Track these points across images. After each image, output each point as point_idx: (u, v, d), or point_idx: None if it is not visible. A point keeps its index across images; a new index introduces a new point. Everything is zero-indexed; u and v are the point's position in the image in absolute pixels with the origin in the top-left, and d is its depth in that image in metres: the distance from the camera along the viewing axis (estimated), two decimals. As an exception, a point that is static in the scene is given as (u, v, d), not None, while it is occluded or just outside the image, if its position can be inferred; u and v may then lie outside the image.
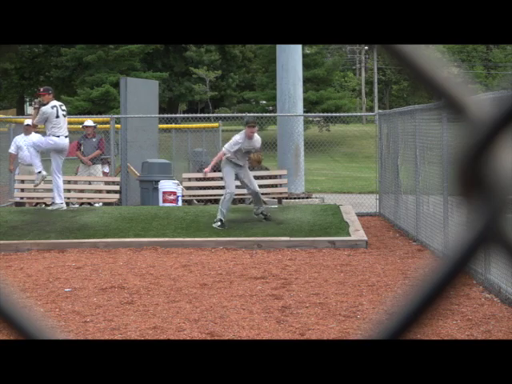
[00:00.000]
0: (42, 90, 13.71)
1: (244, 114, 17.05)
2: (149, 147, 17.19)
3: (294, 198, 16.80)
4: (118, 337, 6.76)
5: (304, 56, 24.54)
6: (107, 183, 16.25)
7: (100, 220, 12.77)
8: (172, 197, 15.05)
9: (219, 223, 12.26)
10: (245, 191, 16.13)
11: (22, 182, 16.20)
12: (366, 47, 59.81)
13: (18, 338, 0.81)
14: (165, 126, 21.91)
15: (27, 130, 15.72)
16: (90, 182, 16.35)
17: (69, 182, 16.24)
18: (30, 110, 61.79)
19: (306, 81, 31.37)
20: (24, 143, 15.73)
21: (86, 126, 16.72)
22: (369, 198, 17.15)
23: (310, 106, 40.98)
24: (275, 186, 16.08)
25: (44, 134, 13.53)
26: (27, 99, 59.38)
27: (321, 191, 21.19)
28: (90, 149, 16.44)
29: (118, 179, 16.41)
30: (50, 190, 15.87)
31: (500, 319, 7.25)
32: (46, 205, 15.12)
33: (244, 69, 53.72)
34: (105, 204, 15.60)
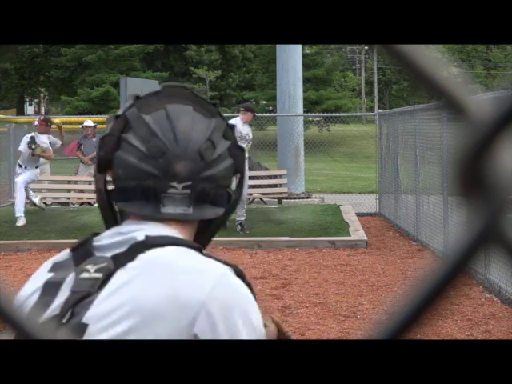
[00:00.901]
0: (42, 118, 13.55)
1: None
2: (149, 147, 17.18)
3: (294, 198, 16.80)
4: (117, 337, 6.76)
5: (304, 56, 24.53)
6: (107, 183, 16.23)
7: (100, 220, 12.60)
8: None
9: (239, 227, 12.23)
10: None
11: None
12: (366, 47, 59.84)
13: (18, 338, 0.81)
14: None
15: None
16: (90, 182, 16.35)
17: (69, 181, 16.23)
18: (29, 110, 61.85)
19: (305, 81, 31.38)
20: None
21: (86, 126, 16.73)
22: (369, 197, 17.15)
23: (309, 105, 40.98)
24: (275, 185, 16.08)
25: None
26: (27, 99, 59.39)
27: (321, 191, 21.19)
28: (90, 149, 16.44)
29: (117, 179, 16.39)
30: (51, 190, 15.89)
31: (500, 319, 7.25)
32: (46, 205, 15.12)
33: (244, 69, 53.74)
34: (105, 204, 15.57)
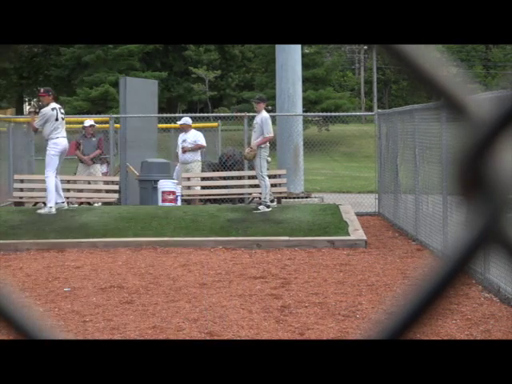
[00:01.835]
0: (42, 90, 13.71)
1: (243, 114, 17.03)
2: (148, 147, 17.19)
3: (294, 198, 16.80)
4: (117, 336, 6.76)
5: (303, 56, 24.54)
6: (106, 183, 16.25)
7: (99, 220, 12.77)
8: (171, 196, 15.05)
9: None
10: (244, 191, 16.16)
11: (21, 181, 16.19)
12: (366, 47, 59.82)
13: (18, 338, 0.81)
14: (164, 125, 21.92)
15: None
16: (89, 182, 16.35)
17: (68, 181, 16.23)
18: (28, 109, 61.79)
19: (305, 80, 31.38)
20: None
21: (86, 126, 16.73)
22: (368, 197, 17.15)
23: (309, 105, 40.98)
24: (274, 185, 16.09)
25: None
26: (26, 99, 59.38)
27: (320, 191, 21.19)
28: (89, 148, 16.44)
29: (117, 179, 16.41)
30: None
31: (499, 318, 7.25)
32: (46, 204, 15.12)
33: (243, 68, 53.74)
34: (104, 204, 15.60)
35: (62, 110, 13.49)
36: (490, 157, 0.61)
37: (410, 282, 9.07)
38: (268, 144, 13.13)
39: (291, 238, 11.70)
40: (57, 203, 13.40)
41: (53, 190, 13.14)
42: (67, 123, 13.89)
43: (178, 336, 6.72)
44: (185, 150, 15.61)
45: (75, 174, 17.05)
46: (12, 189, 16.74)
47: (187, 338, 6.55)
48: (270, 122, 13.09)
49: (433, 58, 0.65)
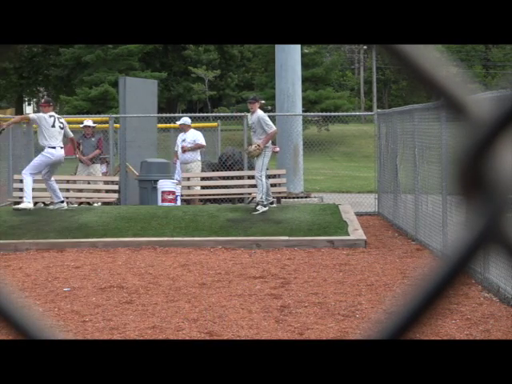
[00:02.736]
0: (43, 101, 14.11)
1: (243, 114, 17.03)
2: (148, 147, 17.19)
3: (293, 198, 16.81)
4: (116, 336, 6.76)
5: (303, 55, 24.54)
6: (106, 183, 16.25)
7: (99, 219, 12.77)
8: (171, 196, 15.06)
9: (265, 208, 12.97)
10: (244, 191, 16.16)
11: (21, 181, 16.18)
12: (365, 47, 59.82)
13: (17, 338, 0.81)
14: (164, 125, 21.91)
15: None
16: (88, 182, 16.35)
17: (67, 181, 16.23)
18: (28, 109, 61.82)
19: (304, 80, 31.37)
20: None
21: (86, 126, 16.73)
22: (368, 197, 17.16)
23: (308, 105, 41.00)
24: (274, 185, 16.09)
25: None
26: (26, 99, 59.36)
27: (320, 191, 21.19)
28: (89, 148, 16.44)
29: (116, 179, 16.40)
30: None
31: (499, 318, 7.25)
32: (45, 204, 15.12)
33: (243, 68, 53.74)
34: (104, 203, 15.60)
35: (62, 120, 13.59)
36: (490, 157, 0.61)
37: (409, 282, 9.07)
38: (270, 141, 13.12)
39: (291, 238, 11.71)
40: (56, 203, 13.53)
41: (30, 189, 13.33)
42: (67, 123, 13.93)
43: (178, 336, 6.72)
44: (184, 150, 15.61)
45: (75, 173, 17.04)
46: (12, 189, 16.74)
47: (187, 338, 6.56)
48: (267, 117, 13.06)
49: (432, 57, 0.65)
